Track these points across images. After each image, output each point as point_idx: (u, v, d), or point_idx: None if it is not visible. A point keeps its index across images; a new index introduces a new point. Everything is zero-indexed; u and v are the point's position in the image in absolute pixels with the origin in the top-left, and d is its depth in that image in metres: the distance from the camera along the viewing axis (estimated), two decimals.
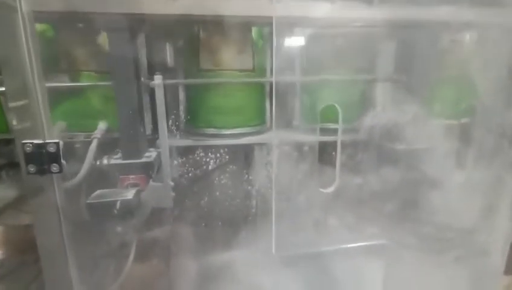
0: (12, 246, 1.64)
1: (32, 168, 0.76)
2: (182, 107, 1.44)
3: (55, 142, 0.76)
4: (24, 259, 1.60)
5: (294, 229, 1.05)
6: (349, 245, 1.05)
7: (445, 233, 1.08)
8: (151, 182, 1.22)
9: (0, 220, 1.35)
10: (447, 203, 1.07)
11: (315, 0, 1.07)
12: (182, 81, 1.34)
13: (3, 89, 1.03)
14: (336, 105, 1.29)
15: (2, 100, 1.17)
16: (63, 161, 0.78)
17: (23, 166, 0.76)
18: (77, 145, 1.23)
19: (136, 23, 1.14)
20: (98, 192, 1.00)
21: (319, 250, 1.04)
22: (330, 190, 1.13)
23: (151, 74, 1.26)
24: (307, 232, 1.09)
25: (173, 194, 1.30)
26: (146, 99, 1.31)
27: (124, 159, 1.15)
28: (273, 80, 1.20)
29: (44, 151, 0.76)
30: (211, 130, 1.36)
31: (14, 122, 0.77)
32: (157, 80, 1.21)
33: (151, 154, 1.21)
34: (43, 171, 0.76)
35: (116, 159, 1.15)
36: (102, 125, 1.24)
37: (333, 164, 1.24)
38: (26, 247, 1.62)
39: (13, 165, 1.35)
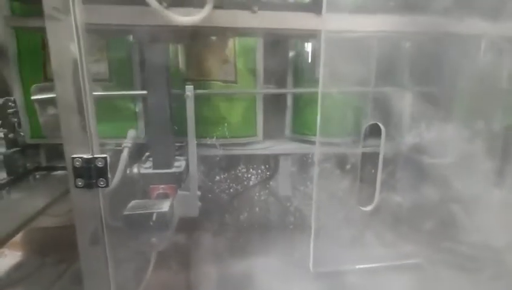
0: (33, 248, 1.66)
1: (80, 182, 0.77)
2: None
3: (103, 157, 0.78)
4: (44, 261, 1.62)
5: (332, 246, 1.06)
6: (384, 264, 1.07)
7: (482, 252, 1.09)
8: (179, 191, 1.23)
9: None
10: (484, 221, 1.08)
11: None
12: (213, 92, 1.35)
13: (41, 97, 1.05)
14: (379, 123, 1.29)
15: (37, 107, 1.18)
16: (109, 176, 0.79)
17: (72, 180, 0.77)
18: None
19: (172, 35, 1.15)
20: (133, 203, 1.01)
21: (355, 267, 1.06)
22: (369, 208, 1.15)
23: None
24: (343, 249, 1.11)
25: (199, 203, 1.32)
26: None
27: (155, 168, 1.16)
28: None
29: (92, 166, 0.77)
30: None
31: (64, 136, 0.78)
32: (189, 90, 1.23)
33: (180, 164, 1.23)
34: (90, 185, 0.78)
35: (146, 169, 1.17)
36: (131, 133, 1.26)
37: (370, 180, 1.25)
38: (47, 249, 1.64)
39: (40, 169, 1.37)
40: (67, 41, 0.75)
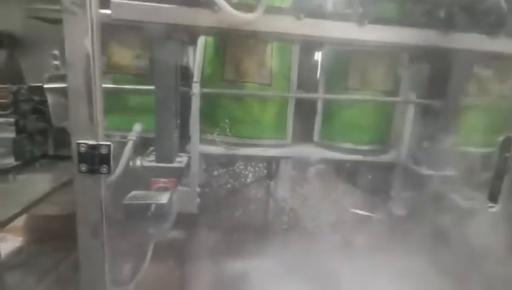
0: (33, 234, 1.69)
1: (83, 168, 0.80)
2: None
3: (107, 145, 0.80)
4: (43, 248, 1.65)
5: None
6: None
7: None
8: (178, 187, 1.25)
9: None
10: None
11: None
12: (223, 91, 1.37)
13: (53, 86, 1.08)
14: None
15: (48, 95, 1.22)
16: (112, 163, 0.82)
17: (76, 164, 0.80)
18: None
19: (179, 33, 1.18)
20: (133, 193, 1.03)
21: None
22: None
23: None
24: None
25: (198, 200, 1.34)
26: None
27: (157, 162, 1.19)
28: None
29: (97, 152, 0.80)
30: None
31: (72, 122, 0.81)
32: (195, 88, 1.26)
33: (182, 159, 1.25)
34: (93, 171, 0.80)
35: (149, 162, 1.19)
36: (137, 127, 1.28)
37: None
38: (46, 236, 1.67)
39: (47, 156, 1.40)
40: (82, 35, 0.78)
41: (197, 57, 1.38)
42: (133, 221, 0.98)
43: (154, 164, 1.18)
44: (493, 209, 1.09)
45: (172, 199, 1.06)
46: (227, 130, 1.40)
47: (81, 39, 0.78)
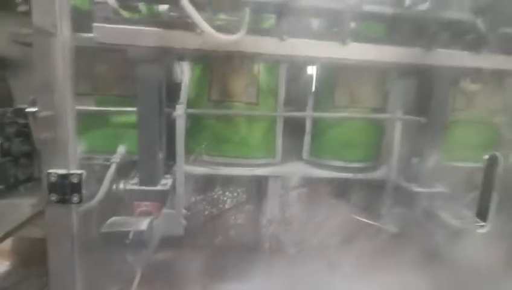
0: (20, 258, 1.66)
1: (54, 197, 0.77)
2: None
3: (78, 173, 0.78)
4: (30, 272, 1.61)
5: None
6: None
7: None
8: (164, 209, 1.22)
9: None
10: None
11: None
12: (206, 112, 1.36)
13: (34, 109, 1.06)
14: None
15: (30, 119, 1.21)
16: (83, 191, 0.79)
17: (46, 194, 0.78)
18: (96, 167, 1.26)
19: (163, 55, 1.17)
20: (112, 220, 1.01)
21: None
22: None
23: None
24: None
25: (185, 222, 1.31)
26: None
27: (141, 185, 1.16)
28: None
29: (67, 181, 0.77)
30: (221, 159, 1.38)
31: (42, 150, 0.79)
32: (179, 110, 1.24)
33: (167, 182, 1.22)
34: (64, 200, 0.78)
35: (132, 185, 1.16)
36: (121, 149, 1.26)
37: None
38: (33, 260, 1.63)
39: (32, 179, 1.38)
40: (52, 58, 0.77)
41: (183, 78, 1.36)
42: (112, 249, 0.95)
43: (137, 187, 1.15)
44: (482, 230, 1.05)
45: (152, 225, 1.03)
46: (215, 149, 1.38)
47: (52, 62, 0.77)
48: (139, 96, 1.14)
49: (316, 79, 1.46)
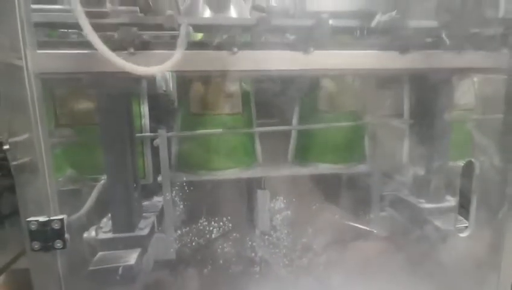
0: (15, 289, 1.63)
1: (36, 245, 0.76)
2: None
3: (59, 219, 0.77)
4: None
5: None
6: None
7: None
8: (155, 234, 1.21)
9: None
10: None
11: None
12: (185, 134, 1.35)
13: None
14: None
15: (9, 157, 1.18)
16: (66, 236, 0.78)
17: (28, 243, 0.76)
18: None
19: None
20: (99, 255, 0.99)
21: None
22: None
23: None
24: None
25: (176, 245, 1.30)
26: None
27: (115, 232, 1.06)
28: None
29: (48, 228, 0.76)
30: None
31: (19, 198, 0.78)
32: (161, 135, 1.23)
33: (146, 224, 1.15)
34: (47, 248, 0.76)
35: (105, 233, 1.07)
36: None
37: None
38: None
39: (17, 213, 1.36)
40: (19, 89, 0.73)
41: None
42: (101, 286, 0.94)
43: (110, 235, 1.05)
44: (464, 235, 1.07)
45: (142, 256, 1.02)
46: (199, 165, 1.37)
47: (19, 94, 0.73)
48: (101, 133, 1.04)
49: (299, 85, 1.46)
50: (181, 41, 0.84)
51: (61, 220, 0.77)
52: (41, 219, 0.76)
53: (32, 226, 0.75)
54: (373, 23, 0.98)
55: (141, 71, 0.81)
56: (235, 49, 0.93)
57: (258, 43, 0.98)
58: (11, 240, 1.28)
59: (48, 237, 0.76)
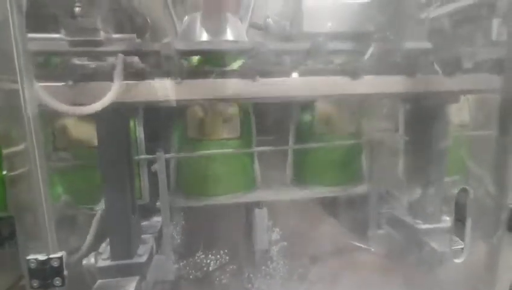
0: None
1: (35, 283, 0.77)
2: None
3: (58, 257, 0.77)
4: None
5: None
6: None
7: None
8: (154, 256, 1.22)
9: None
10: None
11: None
12: (183, 156, 1.36)
13: None
14: None
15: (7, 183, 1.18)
16: (65, 273, 0.79)
17: (27, 281, 0.77)
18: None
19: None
20: (98, 284, 1.00)
21: None
22: None
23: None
24: None
25: (176, 266, 1.31)
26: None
27: (113, 259, 1.07)
28: None
29: (48, 266, 0.77)
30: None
31: (19, 235, 0.78)
32: (159, 157, 1.23)
33: (144, 250, 1.15)
34: (46, 286, 0.77)
35: (104, 260, 1.07)
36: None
37: None
38: None
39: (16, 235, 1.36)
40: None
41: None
42: None
43: (109, 262, 1.06)
44: (459, 260, 1.08)
45: (141, 283, 1.03)
46: (198, 189, 1.39)
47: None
48: (99, 161, 1.05)
49: (295, 108, 1.47)
50: (117, 73, 0.85)
51: (60, 258, 0.78)
52: (41, 257, 0.76)
53: (32, 265, 0.76)
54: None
55: (78, 111, 0.85)
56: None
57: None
58: (11, 261, 1.28)
59: (47, 275, 0.77)
